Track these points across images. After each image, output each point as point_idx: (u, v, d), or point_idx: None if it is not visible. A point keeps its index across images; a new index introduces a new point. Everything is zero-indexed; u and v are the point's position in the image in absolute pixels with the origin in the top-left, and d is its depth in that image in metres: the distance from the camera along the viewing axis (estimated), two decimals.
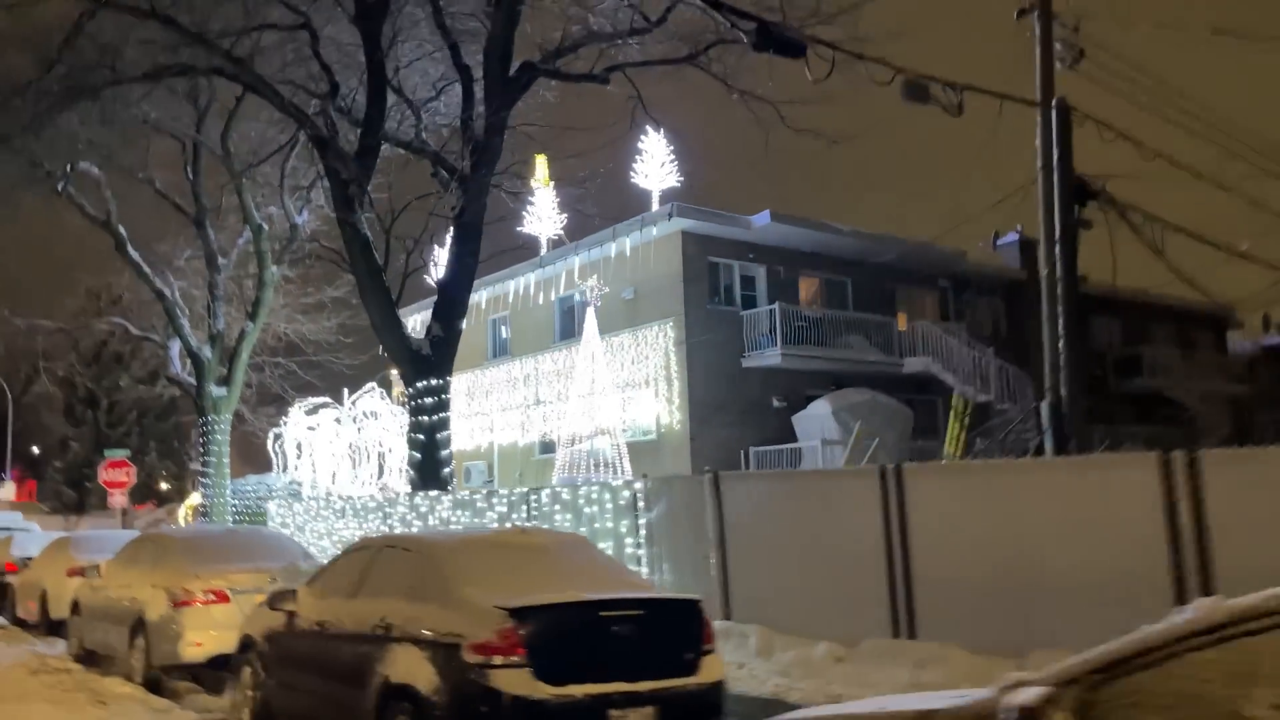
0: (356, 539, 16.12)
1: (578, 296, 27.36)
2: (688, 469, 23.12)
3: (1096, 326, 32.57)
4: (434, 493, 16.39)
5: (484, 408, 30.96)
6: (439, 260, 18.20)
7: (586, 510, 13.08)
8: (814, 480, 10.46)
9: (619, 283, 25.86)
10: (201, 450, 27.32)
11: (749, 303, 25.58)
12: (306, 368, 30.17)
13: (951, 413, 21.28)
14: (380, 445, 26.39)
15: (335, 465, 26.10)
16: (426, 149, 18.95)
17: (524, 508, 14.18)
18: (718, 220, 24.28)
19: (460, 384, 30.97)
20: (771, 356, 24.13)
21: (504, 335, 31.39)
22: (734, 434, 24.22)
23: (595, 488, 13.33)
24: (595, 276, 24.33)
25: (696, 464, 23.30)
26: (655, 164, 25.97)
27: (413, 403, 17.58)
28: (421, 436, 17.24)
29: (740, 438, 24.29)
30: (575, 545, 7.51)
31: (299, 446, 26.14)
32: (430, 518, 16.07)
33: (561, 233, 29.33)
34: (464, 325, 19.23)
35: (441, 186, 18.97)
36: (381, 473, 26.76)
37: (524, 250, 29.34)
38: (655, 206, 25.44)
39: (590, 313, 24.20)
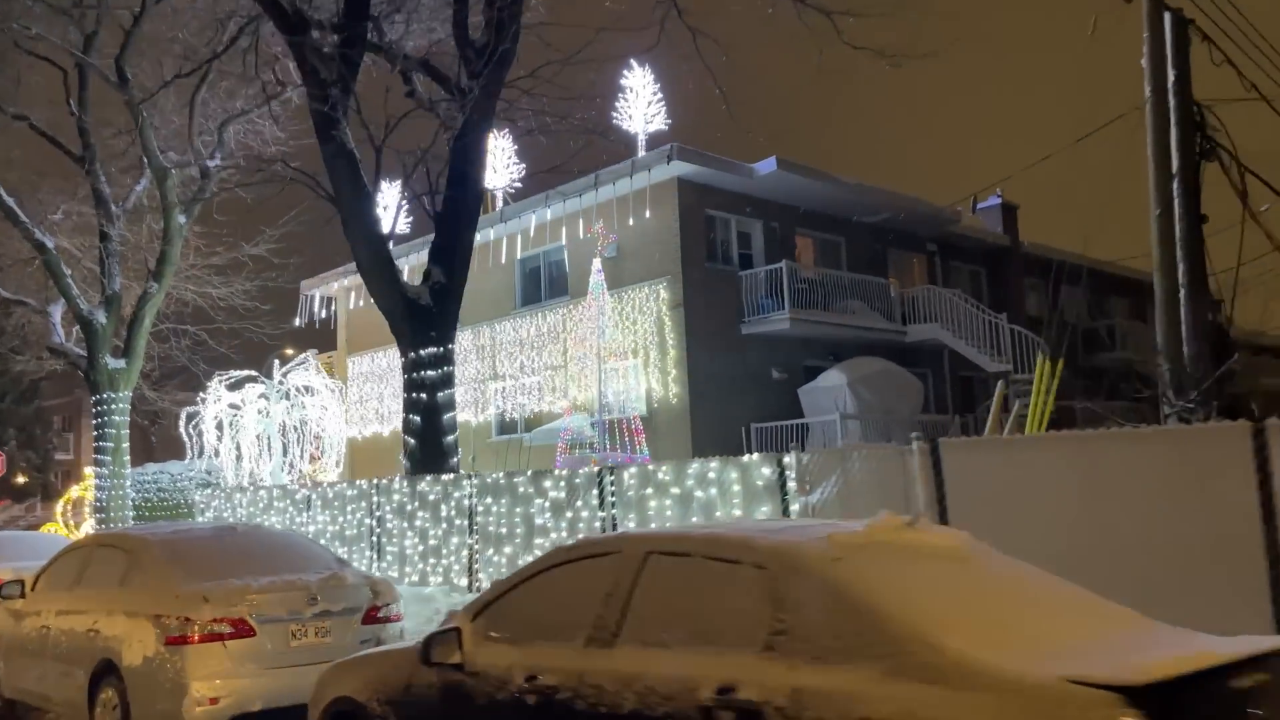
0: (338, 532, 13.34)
1: (560, 254, 24.13)
2: (687, 448, 20.31)
3: (1064, 297, 31.15)
4: (447, 476, 13.06)
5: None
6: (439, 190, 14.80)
7: (700, 495, 10.06)
8: (1129, 444, 7.54)
9: (592, 243, 22.72)
10: (96, 433, 22.91)
11: (745, 262, 22.85)
12: (220, 337, 25.96)
13: (1000, 385, 18.99)
14: (318, 425, 22.57)
15: (262, 449, 22.16)
16: (411, 57, 15.40)
17: (595, 493, 11.10)
18: (718, 167, 21.41)
19: (391, 359, 27.38)
20: (778, 321, 21.46)
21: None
22: (734, 409, 21.49)
23: (714, 465, 10.27)
24: (600, 222, 21.09)
25: (697, 443, 20.49)
26: (641, 104, 22.96)
27: (411, 368, 14.17)
28: (420, 408, 13.87)
29: (740, 413, 21.58)
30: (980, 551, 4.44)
31: (220, 427, 22.06)
32: (444, 506, 12.76)
33: (519, 184, 25.98)
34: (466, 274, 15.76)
35: (425, 107, 15.49)
36: (311, 458, 22.95)
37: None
38: (641, 152, 22.41)
39: (597, 265, 20.94)
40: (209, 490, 18.46)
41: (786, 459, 9.52)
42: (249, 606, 7.27)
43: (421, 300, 14.32)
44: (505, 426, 25.62)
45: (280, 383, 22.67)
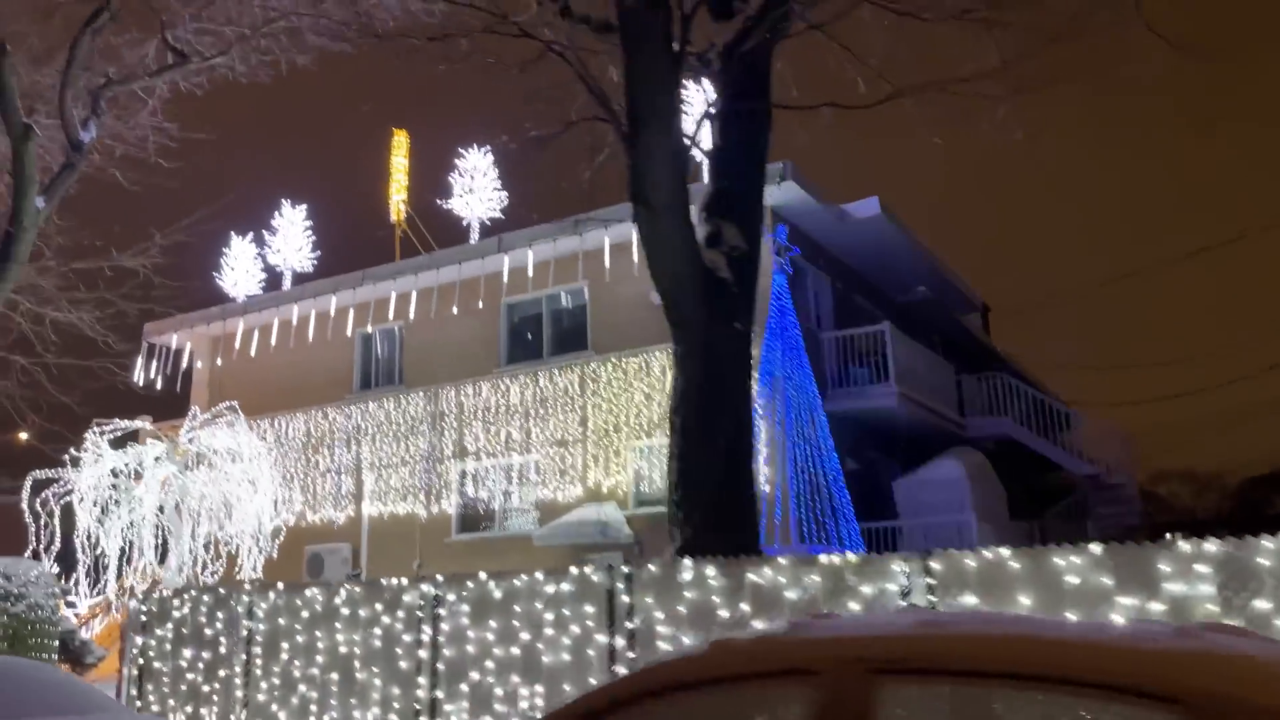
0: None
1: (579, 298, 18.74)
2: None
3: None
4: (748, 557, 7.41)
5: (344, 463, 20.60)
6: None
7: None
8: None
9: (633, 282, 17.74)
10: None
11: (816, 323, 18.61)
12: (67, 379, 18.17)
13: None
14: (233, 503, 15.49)
15: (158, 536, 14.80)
16: None
17: None
18: (823, 199, 17.25)
19: (296, 428, 20.66)
20: (879, 396, 17.17)
21: (385, 355, 21.42)
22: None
23: None
24: (772, 235, 15.94)
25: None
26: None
27: (692, 374, 8.57)
28: (717, 440, 8.21)
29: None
30: None
31: (103, 507, 14.50)
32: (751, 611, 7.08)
33: (500, 213, 20.55)
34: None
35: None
36: (234, 556, 15.75)
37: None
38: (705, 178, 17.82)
39: (782, 283, 15.66)
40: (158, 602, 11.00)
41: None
42: None
43: (719, 271, 8.90)
44: (468, 522, 19.35)
45: (188, 439, 15.49)
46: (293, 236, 23.20)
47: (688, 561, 7.71)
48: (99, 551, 14.77)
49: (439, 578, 8.99)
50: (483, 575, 8.78)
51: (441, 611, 8.86)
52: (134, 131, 18.64)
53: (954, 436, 19.84)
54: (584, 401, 18.20)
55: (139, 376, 22.41)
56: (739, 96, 9.03)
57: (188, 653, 10.31)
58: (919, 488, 17.31)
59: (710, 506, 8.31)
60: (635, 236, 17.42)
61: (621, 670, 7.90)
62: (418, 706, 8.73)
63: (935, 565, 6.73)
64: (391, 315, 20.21)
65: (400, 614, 9.07)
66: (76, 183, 17.85)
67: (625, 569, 8.03)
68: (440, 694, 8.69)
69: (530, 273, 18.41)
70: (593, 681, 8.02)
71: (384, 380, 21.13)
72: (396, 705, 8.84)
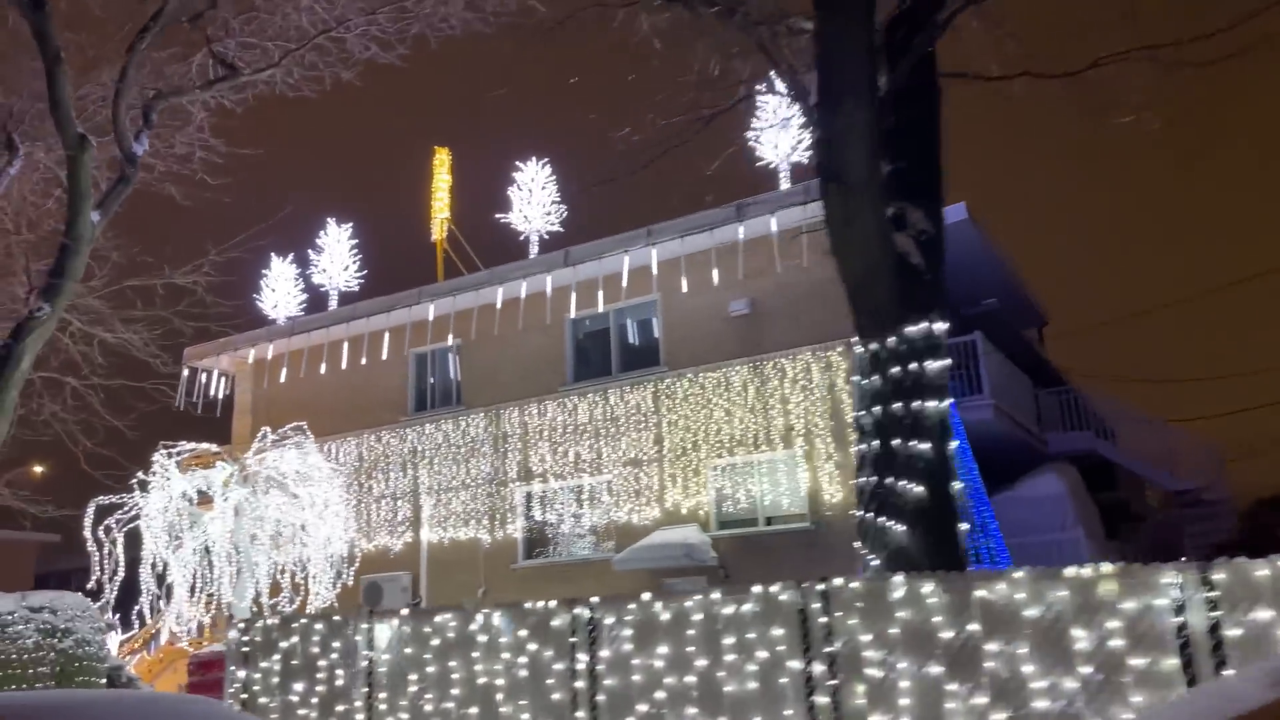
0: None
1: (648, 312, 17.98)
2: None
3: None
4: (972, 571, 6.60)
5: (399, 487, 19.79)
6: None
7: None
8: None
9: (712, 291, 17.08)
10: None
11: None
12: (118, 401, 17.37)
13: None
14: (305, 532, 14.66)
15: (227, 567, 13.95)
16: None
17: None
18: None
19: (348, 452, 19.90)
20: (975, 408, 16.42)
21: (441, 375, 20.68)
22: None
23: None
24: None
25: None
26: (775, 128, 17.88)
27: (890, 362, 7.80)
28: (911, 429, 7.41)
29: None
30: None
31: (171, 533, 13.65)
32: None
33: (557, 226, 19.86)
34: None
35: None
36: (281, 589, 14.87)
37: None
38: (785, 184, 17.23)
39: None
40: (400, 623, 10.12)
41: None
42: None
43: (911, 257, 8.16)
44: (534, 546, 18.53)
45: (254, 461, 14.67)
46: (338, 255, 22.51)
47: (898, 578, 6.93)
48: (169, 580, 13.91)
49: (594, 599, 8.19)
50: (646, 596, 7.98)
51: (598, 637, 8.06)
52: (171, 150, 18.08)
53: (1037, 453, 19.11)
54: (658, 419, 17.44)
55: (180, 402, 21.61)
56: (918, 69, 8.36)
57: (298, 686, 9.46)
58: (1016, 505, 16.54)
59: (915, 518, 7.54)
60: (713, 244, 16.80)
61: (822, 700, 7.09)
62: None
63: (1218, 576, 5.97)
64: (451, 335, 19.44)
65: (549, 640, 8.26)
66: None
67: (821, 586, 7.25)
68: None
69: (601, 288, 17.71)
70: (789, 714, 7.21)
71: (441, 401, 20.36)
72: None
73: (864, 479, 8.10)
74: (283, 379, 21.46)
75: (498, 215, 19.73)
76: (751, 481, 16.47)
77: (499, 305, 18.74)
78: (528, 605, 8.48)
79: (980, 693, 6.57)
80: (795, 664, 7.27)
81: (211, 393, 22.50)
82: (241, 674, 9.90)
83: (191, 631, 14.47)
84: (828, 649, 7.16)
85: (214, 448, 14.99)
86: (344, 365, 20.57)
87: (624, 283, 17.50)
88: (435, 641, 8.88)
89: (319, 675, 9.47)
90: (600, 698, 8.00)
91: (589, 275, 18.05)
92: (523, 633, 8.44)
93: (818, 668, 7.16)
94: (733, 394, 16.81)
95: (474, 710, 8.51)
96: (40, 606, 17.72)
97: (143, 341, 17.97)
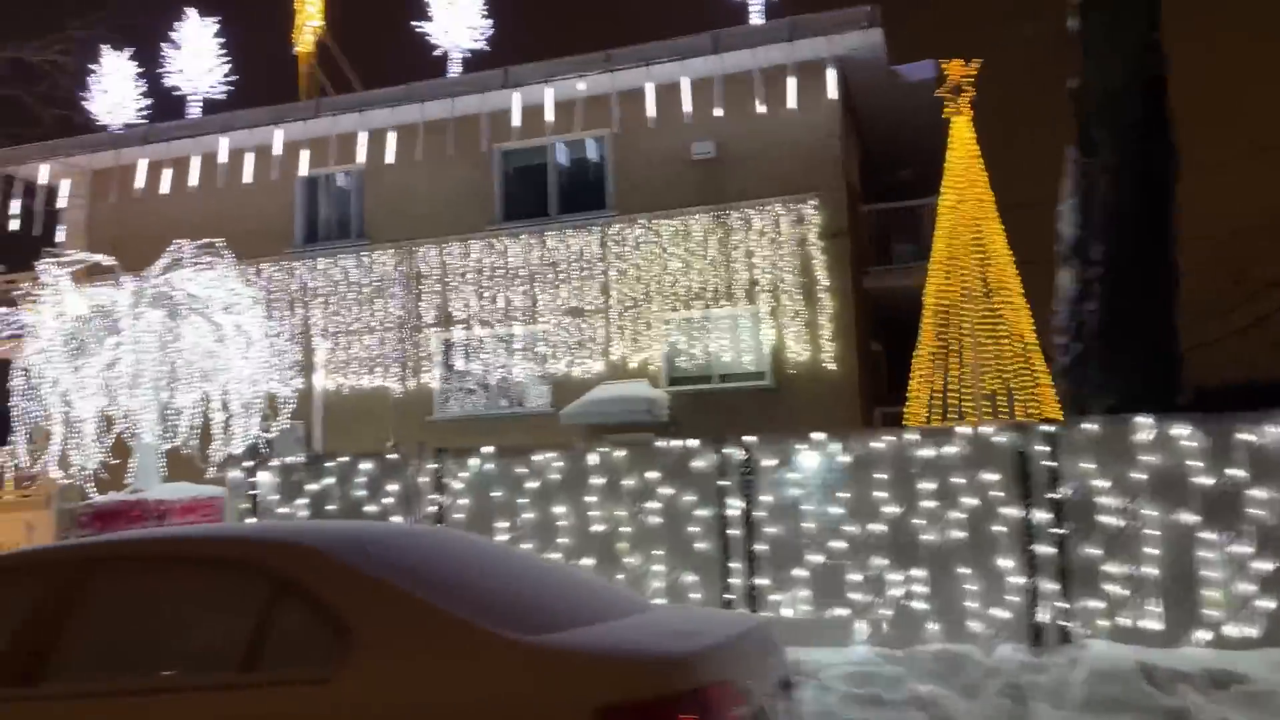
0: None
1: (599, 149, 16.31)
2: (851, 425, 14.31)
3: None
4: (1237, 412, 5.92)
5: (285, 329, 17.49)
6: None
7: None
8: None
9: (673, 131, 15.84)
10: None
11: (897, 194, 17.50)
12: None
13: None
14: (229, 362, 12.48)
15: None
16: None
17: None
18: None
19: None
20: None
21: (339, 206, 18.30)
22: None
23: None
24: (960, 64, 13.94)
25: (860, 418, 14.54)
26: None
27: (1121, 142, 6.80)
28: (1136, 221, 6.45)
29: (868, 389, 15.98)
30: None
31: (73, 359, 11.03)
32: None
33: (483, 43, 17.62)
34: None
35: None
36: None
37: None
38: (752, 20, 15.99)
39: (962, 124, 13.70)
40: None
41: None
42: None
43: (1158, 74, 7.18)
44: (454, 398, 17.00)
45: (161, 286, 12.19)
46: (202, 55, 19.15)
47: (1144, 418, 6.33)
48: (51, 414, 11.44)
49: (747, 439, 7.12)
50: (817, 435, 7.00)
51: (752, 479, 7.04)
52: None
53: None
54: (605, 267, 16.15)
55: None
56: None
57: None
58: None
59: (1149, 356, 6.94)
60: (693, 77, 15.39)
61: (1044, 549, 6.46)
62: (729, 596, 6.93)
63: None
64: (362, 157, 17.03)
65: (690, 484, 7.15)
66: None
67: (1049, 428, 6.54)
68: (764, 581, 6.92)
69: (551, 115, 15.93)
70: (1003, 564, 6.54)
71: (338, 233, 18.02)
72: (697, 596, 6.99)
73: (1086, 310, 7.37)
74: (135, 196, 18.28)
75: (414, 24, 17.24)
76: (709, 337, 15.63)
77: (421, 128, 16.55)
78: (660, 444, 7.30)
79: (1242, 541, 6.15)
80: (1013, 511, 6.58)
81: (19, 206, 18.87)
82: (251, 522, 8.16)
83: (82, 476, 12.06)
84: (1052, 495, 6.50)
85: (106, 259, 12.30)
86: (220, 184, 17.70)
87: (579, 113, 15.81)
88: (533, 484, 7.54)
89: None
90: (760, 547, 7.03)
91: (531, 102, 16.19)
92: (652, 474, 7.28)
93: (1039, 515, 6.51)
94: (691, 244, 15.75)
95: (590, 560, 7.31)
96: None
97: None
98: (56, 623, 3.11)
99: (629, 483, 7.29)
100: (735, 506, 7.05)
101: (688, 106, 15.42)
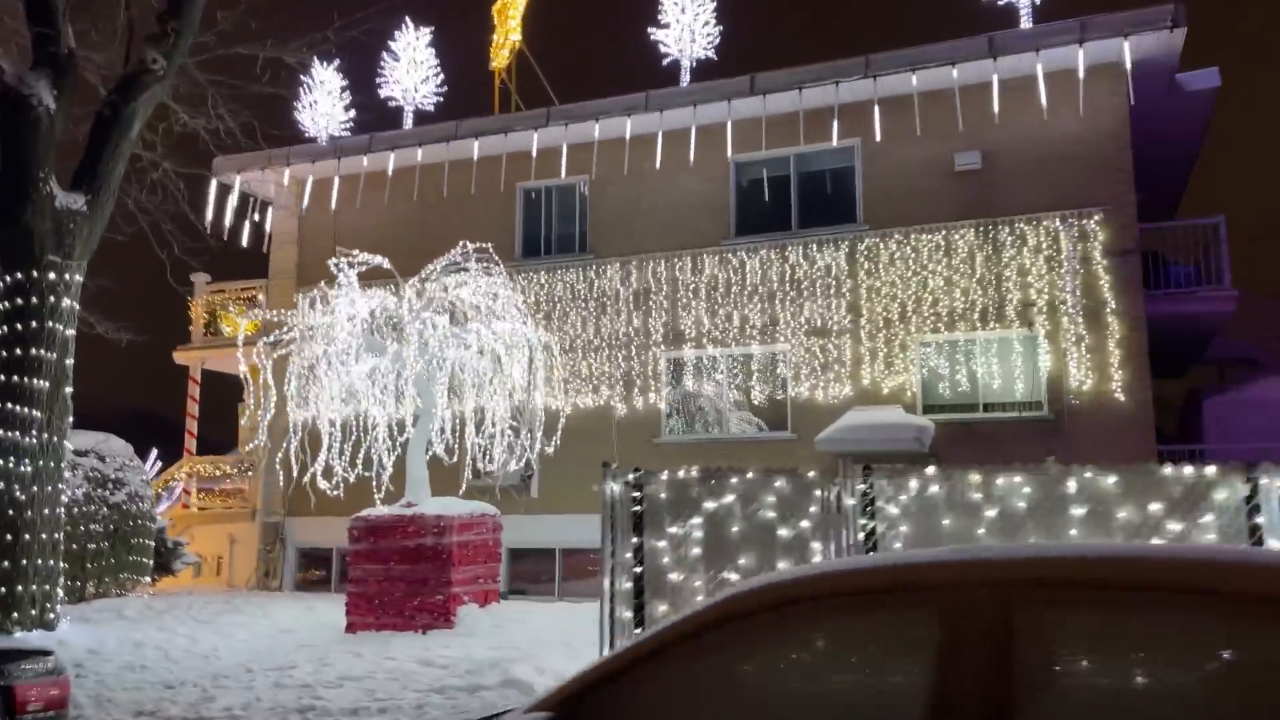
0: None
1: (848, 159, 15.38)
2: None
3: None
4: None
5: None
6: None
7: None
8: None
9: (932, 141, 14.82)
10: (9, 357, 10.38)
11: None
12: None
13: None
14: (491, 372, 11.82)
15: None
16: None
17: None
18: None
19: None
20: (1211, 301, 14.88)
21: (562, 219, 17.68)
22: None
23: None
24: None
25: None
26: None
27: None
28: None
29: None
30: None
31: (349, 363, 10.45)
32: None
33: (710, 53, 16.87)
34: None
35: None
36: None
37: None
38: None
39: None
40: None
41: None
42: None
43: None
44: (680, 419, 16.13)
45: (434, 291, 11.59)
46: (416, 67, 18.85)
47: None
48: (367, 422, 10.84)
49: (1268, 464, 6.01)
50: None
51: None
52: None
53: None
54: (854, 285, 15.15)
55: (206, 223, 17.81)
56: None
57: (743, 561, 6.93)
58: (1238, 409, 15.20)
59: None
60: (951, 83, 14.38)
61: None
62: None
63: None
64: (595, 169, 16.41)
65: (1194, 514, 6.05)
66: None
67: None
68: None
69: (802, 124, 15.10)
70: None
71: (560, 248, 17.38)
72: None
73: None
74: (357, 206, 17.97)
75: (650, 30, 16.60)
76: (974, 362, 14.49)
77: (660, 137, 15.84)
78: (1166, 471, 6.21)
79: None
80: None
81: (234, 215, 18.69)
82: (634, 541, 7.28)
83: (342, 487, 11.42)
84: None
85: (384, 262, 11.73)
86: (445, 194, 17.26)
87: (835, 122, 14.94)
88: (990, 513, 6.51)
89: (773, 548, 6.96)
90: None
91: (776, 110, 15.39)
92: (1155, 506, 6.18)
93: None
94: (955, 261, 14.67)
95: None
96: (86, 450, 14.21)
97: (220, 131, 14.42)
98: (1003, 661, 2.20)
99: (1123, 515, 6.22)
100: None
101: (955, 114, 14.41)
